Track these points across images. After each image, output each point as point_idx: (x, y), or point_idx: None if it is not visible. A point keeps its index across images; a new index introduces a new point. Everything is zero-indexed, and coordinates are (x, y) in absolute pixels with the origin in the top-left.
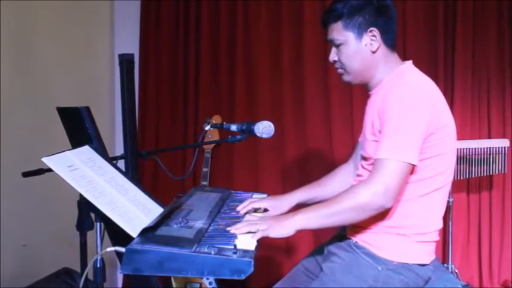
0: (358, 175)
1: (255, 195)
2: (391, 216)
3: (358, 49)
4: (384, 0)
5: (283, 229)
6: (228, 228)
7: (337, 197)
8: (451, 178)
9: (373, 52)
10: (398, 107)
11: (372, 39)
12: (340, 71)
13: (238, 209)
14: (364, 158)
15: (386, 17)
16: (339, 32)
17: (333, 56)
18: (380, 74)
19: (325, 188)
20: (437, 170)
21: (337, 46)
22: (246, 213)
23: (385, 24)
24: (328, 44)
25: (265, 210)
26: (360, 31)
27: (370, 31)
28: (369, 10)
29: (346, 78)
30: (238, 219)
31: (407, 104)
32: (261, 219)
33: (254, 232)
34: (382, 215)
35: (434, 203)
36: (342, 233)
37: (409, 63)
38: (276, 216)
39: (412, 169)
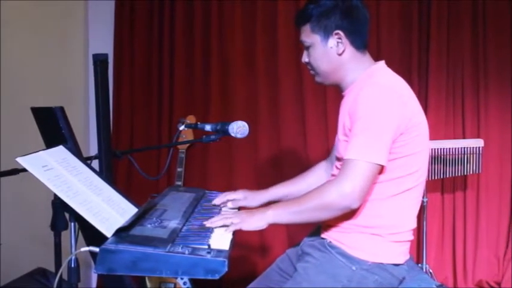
0: (333, 175)
1: None
2: (364, 216)
3: (324, 52)
4: (352, 2)
5: (255, 222)
6: (204, 223)
7: (306, 195)
8: (424, 177)
9: (339, 54)
10: (368, 107)
11: (338, 42)
12: (311, 72)
13: (214, 201)
14: (338, 159)
15: (353, 19)
16: (308, 35)
17: (304, 57)
18: (351, 75)
19: (300, 185)
20: (410, 170)
21: (307, 48)
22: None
23: (351, 26)
24: (302, 45)
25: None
26: (326, 34)
27: (336, 34)
28: (335, 13)
29: (317, 79)
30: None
31: (376, 104)
32: (234, 213)
33: (228, 227)
34: (355, 214)
35: (407, 203)
36: (316, 233)
37: (381, 63)
38: (248, 210)
39: (381, 169)
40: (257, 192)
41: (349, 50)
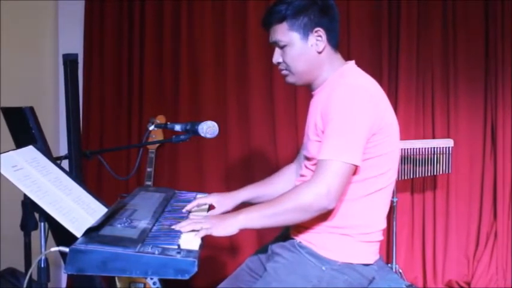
0: (302, 175)
1: (199, 195)
2: (334, 216)
3: (303, 50)
4: (328, 0)
5: (226, 228)
6: (173, 227)
7: (280, 197)
8: (395, 178)
9: (319, 52)
10: (341, 107)
11: (317, 40)
12: (284, 72)
13: (185, 208)
14: (308, 158)
15: (330, 17)
16: (284, 33)
17: (277, 57)
18: (324, 74)
19: (270, 187)
20: (381, 170)
21: (282, 47)
22: (189, 212)
23: (329, 24)
24: (275, 45)
25: (210, 208)
26: (306, 31)
27: (316, 31)
28: (314, 10)
29: (290, 79)
30: (182, 218)
31: (349, 105)
32: (204, 218)
33: (198, 230)
34: (325, 215)
35: (377, 203)
36: (285, 233)
37: (351, 63)
38: (219, 215)
39: (355, 170)
40: (228, 195)
41: (327, 48)
